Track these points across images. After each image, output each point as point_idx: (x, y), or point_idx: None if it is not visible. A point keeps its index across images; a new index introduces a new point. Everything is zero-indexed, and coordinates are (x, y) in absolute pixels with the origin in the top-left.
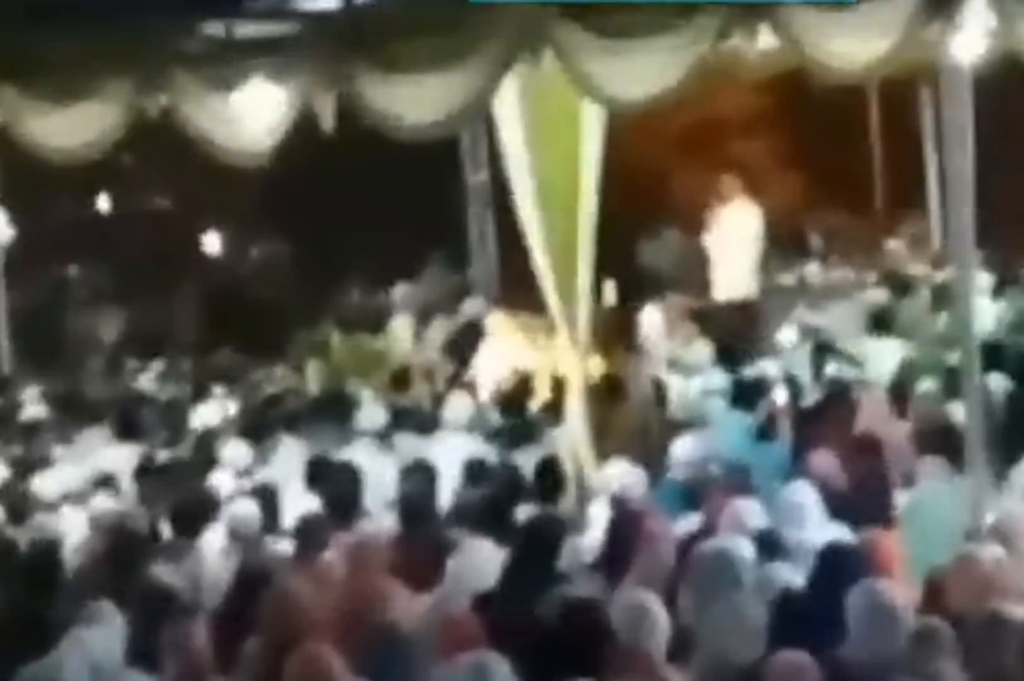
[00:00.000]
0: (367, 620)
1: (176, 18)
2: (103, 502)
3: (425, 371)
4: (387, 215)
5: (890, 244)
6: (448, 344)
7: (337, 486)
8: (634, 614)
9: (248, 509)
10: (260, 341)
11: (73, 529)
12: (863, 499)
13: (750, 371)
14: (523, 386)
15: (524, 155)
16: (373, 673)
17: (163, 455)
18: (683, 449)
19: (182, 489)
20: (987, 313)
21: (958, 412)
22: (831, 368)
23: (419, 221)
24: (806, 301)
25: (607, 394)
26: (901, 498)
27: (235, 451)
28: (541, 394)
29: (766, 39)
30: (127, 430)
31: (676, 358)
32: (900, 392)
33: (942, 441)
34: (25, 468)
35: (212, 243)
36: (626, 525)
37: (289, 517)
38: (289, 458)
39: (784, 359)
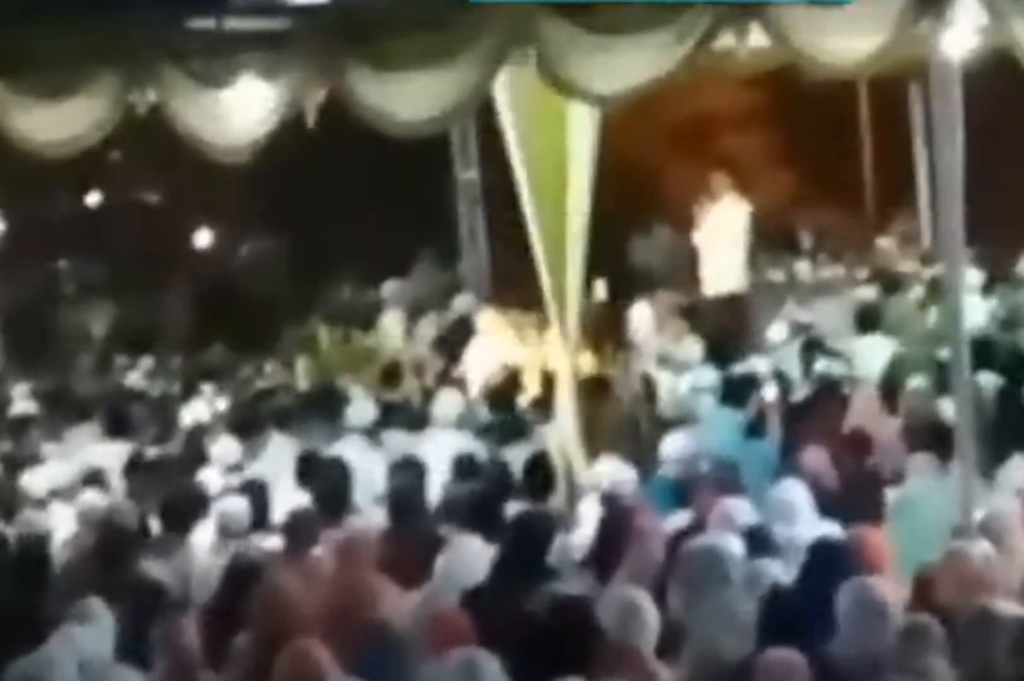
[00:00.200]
0: (356, 616)
1: (165, 13)
2: (92, 498)
3: (415, 367)
4: (378, 212)
5: (880, 241)
6: (438, 341)
7: (327, 482)
8: (624, 611)
9: (238, 505)
10: (250, 337)
11: (62, 525)
12: (853, 496)
13: (740, 368)
14: (513, 382)
15: (516, 152)
16: (362, 669)
17: (153, 451)
18: (673, 446)
19: (172, 485)
20: (977, 310)
21: (948, 409)
22: (821, 365)
23: (410, 218)
24: (796, 298)
25: (596, 391)
26: (891, 495)
27: (225, 447)
28: (531, 390)
29: (754, 36)
30: (116, 426)
31: (666, 354)
32: (890, 389)
33: (932, 438)
34: (14, 464)
35: (203, 239)
36: (617, 522)
37: (279, 513)
38: (279, 454)
39: (774, 356)
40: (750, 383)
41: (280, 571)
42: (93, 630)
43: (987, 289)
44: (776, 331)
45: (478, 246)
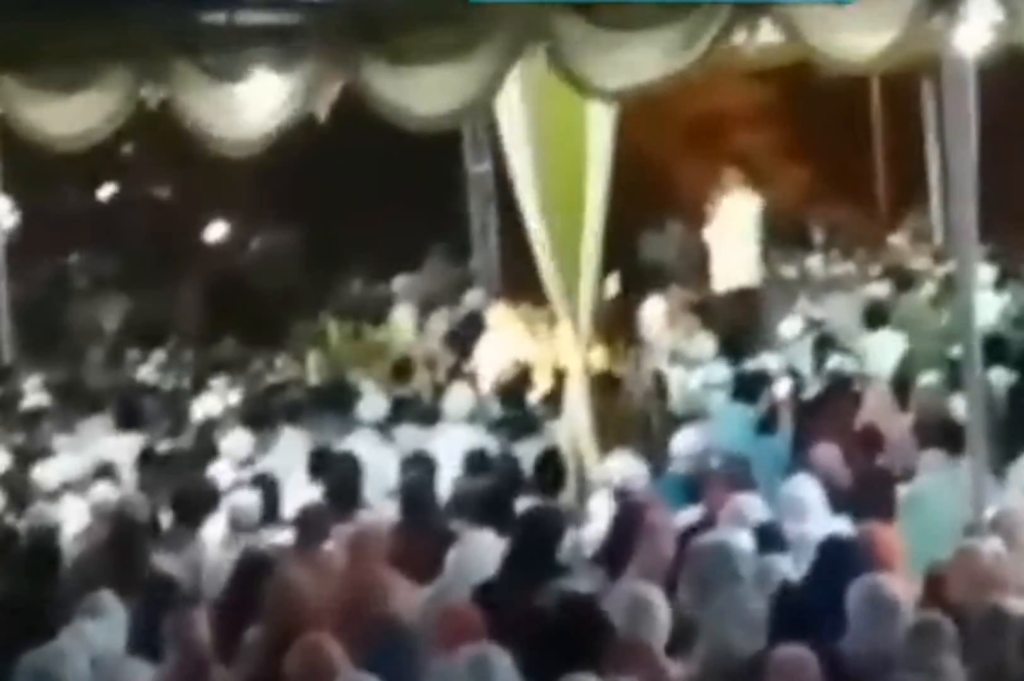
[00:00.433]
0: (367, 611)
1: (178, 8)
2: (104, 491)
3: (427, 362)
4: (389, 206)
5: (892, 238)
6: (449, 336)
7: (338, 477)
8: (633, 607)
9: (249, 499)
10: (262, 331)
11: (74, 518)
12: (865, 493)
13: (751, 364)
14: (524, 378)
15: (528, 149)
16: (373, 664)
17: (164, 445)
18: (684, 442)
19: (183, 479)
20: (989, 307)
21: (959, 406)
22: (833, 361)
23: (421, 212)
24: (808, 294)
25: (608, 386)
26: (902, 491)
27: (236, 441)
28: (542, 386)
29: (764, 33)
30: (128, 420)
31: (678, 350)
32: (902, 385)
33: (943, 435)
34: (26, 457)
35: (214, 233)
36: (628, 517)
37: (290, 507)
38: (290, 448)
39: (786, 352)
40: (762, 379)
41: (291, 565)
42: (105, 624)
43: (999, 286)
44: (788, 327)
45: (490, 241)
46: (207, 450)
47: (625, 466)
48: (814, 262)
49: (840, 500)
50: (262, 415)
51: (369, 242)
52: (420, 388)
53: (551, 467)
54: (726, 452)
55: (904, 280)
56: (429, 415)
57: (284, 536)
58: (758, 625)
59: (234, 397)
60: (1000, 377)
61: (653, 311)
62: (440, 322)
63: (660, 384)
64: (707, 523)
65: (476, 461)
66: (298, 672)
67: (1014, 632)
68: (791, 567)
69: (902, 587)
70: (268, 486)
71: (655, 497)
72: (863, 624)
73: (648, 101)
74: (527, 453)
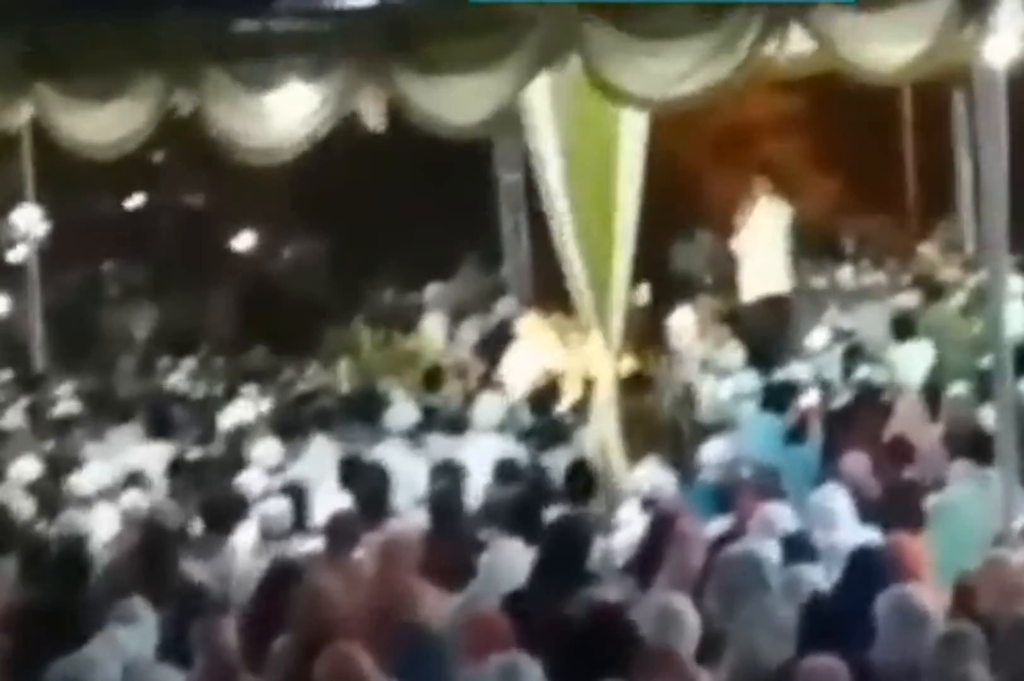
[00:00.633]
0: (396, 619)
1: (211, 17)
2: (134, 499)
3: (458, 371)
4: (422, 214)
5: (923, 248)
6: (480, 344)
7: (366, 487)
8: (662, 616)
9: (279, 507)
10: (292, 339)
11: (105, 525)
12: (893, 504)
13: (781, 374)
14: (554, 387)
15: (559, 158)
16: (402, 672)
17: (195, 453)
18: (714, 451)
19: (213, 487)
20: (1019, 317)
21: (989, 416)
22: (862, 371)
23: (453, 221)
24: (838, 304)
25: (637, 396)
26: (932, 501)
27: (267, 449)
28: (572, 395)
29: (794, 42)
30: (158, 428)
31: (708, 360)
32: (932, 395)
33: (973, 445)
34: (57, 464)
35: (246, 241)
36: (658, 526)
37: (320, 515)
38: (321, 456)
39: (815, 362)
40: (791, 389)
41: (321, 573)
42: (136, 630)
43: None
44: (817, 337)
45: (521, 250)
46: (237, 458)
47: (654, 475)
48: (845, 272)
49: (869, 510)
50: (293, 423)
51: (401, 251)
52: (451, 397)
53: (582, 476)
54: (756, 462)
55: (934, 290)
56: (459, 424)
57: (314, 544)
58: (787, 633)
59: (265, 405)
60: None
61: (683, 321)
62: (471, 331)
63: (689, 394)
64: (737, 533)
65: (506, 470)
66: (327, 680)
67: None
68: (821, 577)
69: (930, 597)
70: (298, 494)
71: (685, 506)
72: (892, 634)
73: (680, 111)
74: (557, 462)
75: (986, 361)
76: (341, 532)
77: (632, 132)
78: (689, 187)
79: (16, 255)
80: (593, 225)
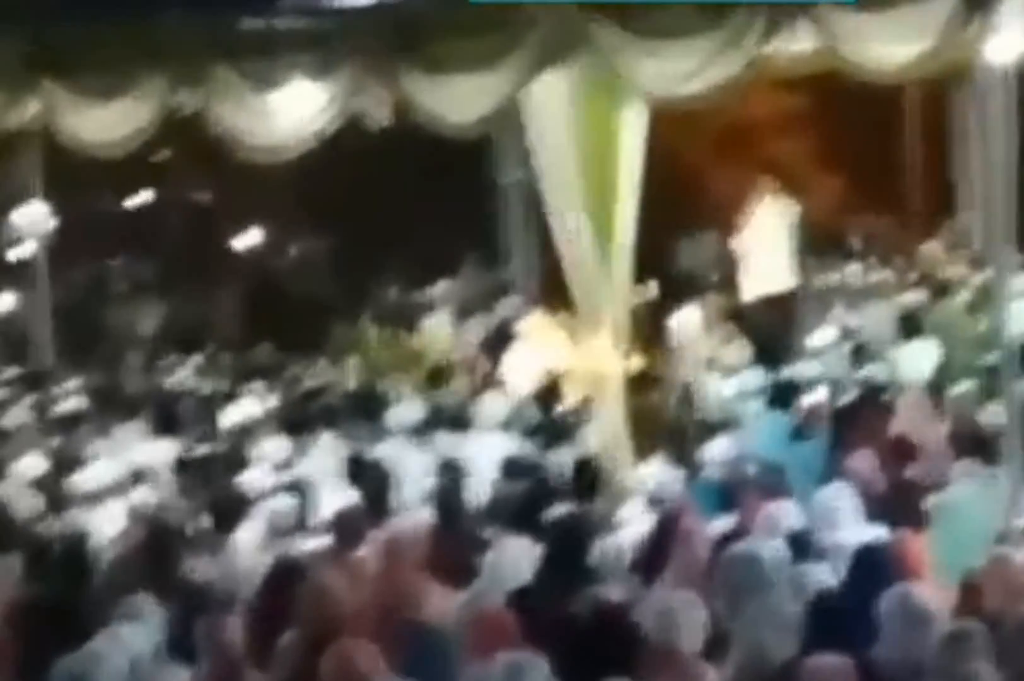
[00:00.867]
0: (401, 616)
1: (216, 14)
2: (141, 495)
3: (464, 368)
4: (427, 212)
5: (928, 246)
6: (485, 342)
7: (368, 486)
8: (666, 614)
9: (286, 504)
10: (299, 336)
11: (110, 522)
12: (898, 501)
13: (787, 372)
14: (559, 385)
15: (560, 157)
16: (407, 668)
17: (201, 450)
18: (718, 449)
19: (219, 484)
20: None
21: (994, 414)
22: (868, 369)
23: (459, 219)
24: (844, 302)
25: (643, 394)
26: (936, 500)
27: (273, 446)
28: (577, 393)
29: (798, 40)
30: (165, 424)
31: (714, 358)
32: (938, 394)
33: (978, 443)
34: (63, 461)
35: (252, 238)
36: (664, 524)
37: (326, 512)
38: (327, 453)
39: (821, 360)
40: (797, 387)
41: (326, 570)
42: (142, 627)
43: None
44: (823, 335)
45: (527, 248)
46: (244, 455)
47: (659, 473)
48: (852, 270)
49: (876, 508)
50: (299, 420)
51: (406, 248)
52: (456, 394)
53: (587, 474)
54: (761, 459)
55: (939, 288)
56: (464, 421)
57: (320, 541)
58: (791, 632)
59: (271, 402)
60: None
61: (689, 319)
62: (476, 329)
63: (695, 391)
64: (741, 530)
65: (512, 467)
66: (332, 677)
67: None
68: (826, 574)
69: (933, 595)
70: (304, 491)
71: (690, 503)
72: (895, 632)
73: (682, 109)
74: (563, 460)
75: (992, 359)
76: (347, 527)
77: (633, 130)
78: (695, 185)
79: (24, 252)
80: (594, 222)
